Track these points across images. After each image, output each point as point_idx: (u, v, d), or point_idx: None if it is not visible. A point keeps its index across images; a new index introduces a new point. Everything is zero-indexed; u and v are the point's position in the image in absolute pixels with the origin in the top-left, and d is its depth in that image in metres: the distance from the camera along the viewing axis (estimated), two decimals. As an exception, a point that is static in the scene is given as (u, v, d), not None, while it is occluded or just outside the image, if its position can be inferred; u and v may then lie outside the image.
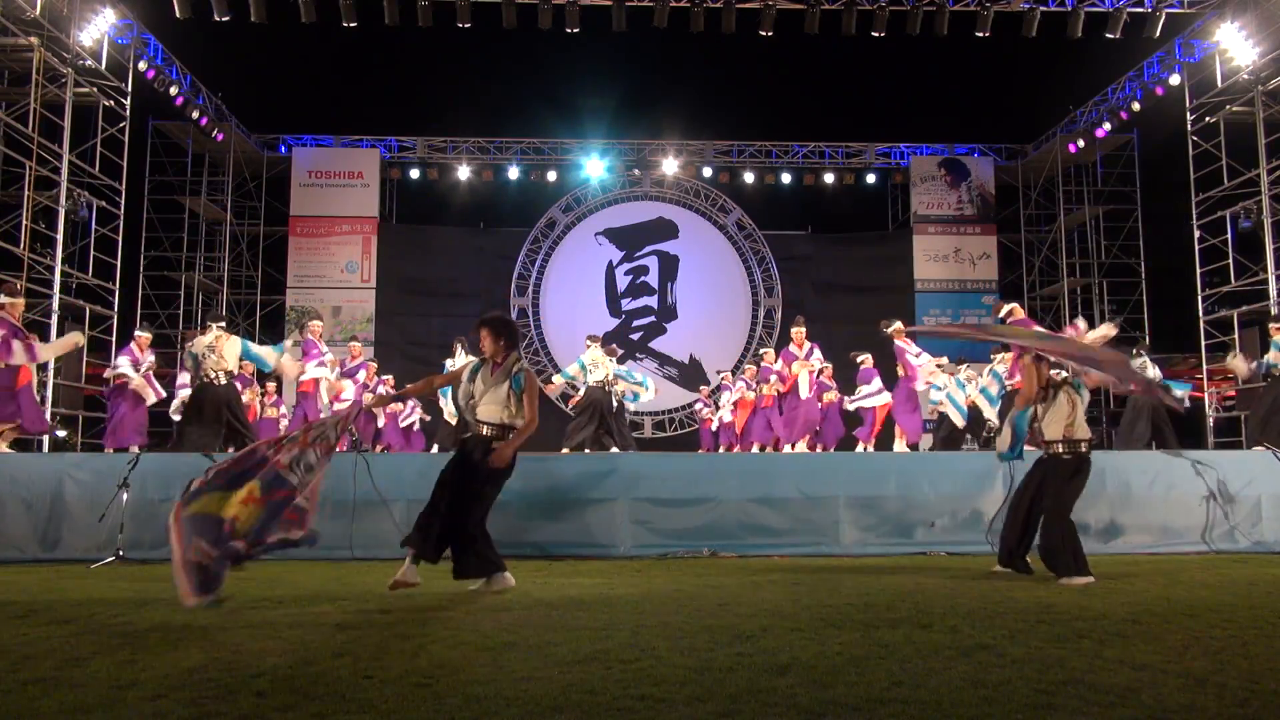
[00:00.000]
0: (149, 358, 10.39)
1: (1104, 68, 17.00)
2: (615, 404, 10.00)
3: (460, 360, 11.45)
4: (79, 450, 13.57)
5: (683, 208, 19.55)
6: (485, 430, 4.97)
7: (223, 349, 8.41)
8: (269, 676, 2.91)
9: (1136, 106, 16.20)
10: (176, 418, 10.12)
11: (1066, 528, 5.45)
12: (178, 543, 3.98)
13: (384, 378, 12.96)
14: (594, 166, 19.26)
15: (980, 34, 14.12)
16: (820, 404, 10.91)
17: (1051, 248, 19.24)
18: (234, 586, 5.25)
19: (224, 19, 13.44)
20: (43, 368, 12.34)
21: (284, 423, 11.85)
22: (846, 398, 11.47)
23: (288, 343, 10.29)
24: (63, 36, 12.82)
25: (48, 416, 11.72)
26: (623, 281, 19.24)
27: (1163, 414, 9.75)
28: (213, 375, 8.35)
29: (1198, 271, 14.51)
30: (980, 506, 7.24)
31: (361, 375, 11.76)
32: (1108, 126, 17.04)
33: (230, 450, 8.01)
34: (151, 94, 15.41)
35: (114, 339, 14.29)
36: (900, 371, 10.46)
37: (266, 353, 8.80)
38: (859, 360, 11.54)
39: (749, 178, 19.21)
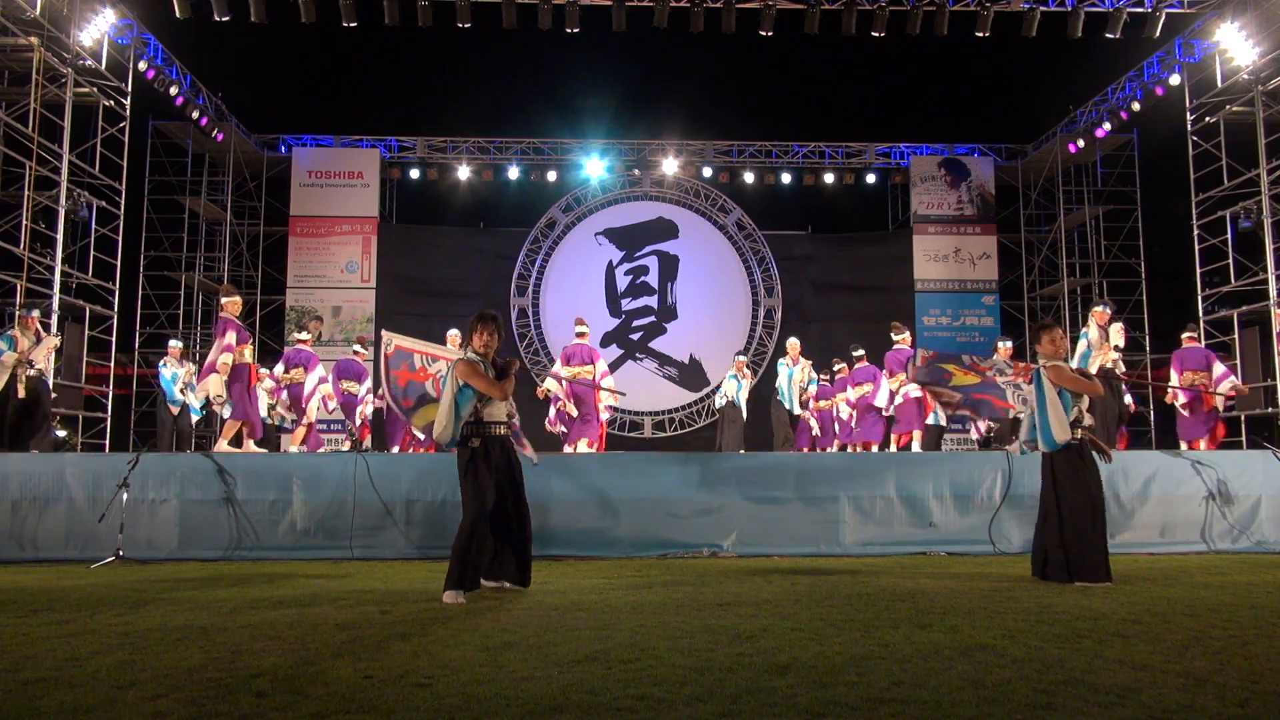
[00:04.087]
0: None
1: (1104, 68, 17.02)
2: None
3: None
4: (79, 450, 13.57)
5: (683, 208, 19.54)
6: (500, 430, 4.94)
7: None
8: (269, 676, 2.91)
9: (1136, 106, 16.19)
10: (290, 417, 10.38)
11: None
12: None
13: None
14: (594, 166, 19.25)
15: (980, 34, 14.12)
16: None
17: (1051, 248, 19.24)
18: (234, 586, 5.26)
19: (224, 19, 13.44)
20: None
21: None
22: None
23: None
24: (63, 36, 12.82)
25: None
26: (623, 281, 19.23)
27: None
28: None
29: (1198, 271, 14.51)
30: (980, 507, 7.24)
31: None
32: (1108, 126, 17.02)
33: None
34: (151, 94, 15.40)
35: (114, 339, 14.31)
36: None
37: None
38: (856, 354, 11.61)
39: (749, 178, 19.20)
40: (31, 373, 9.09)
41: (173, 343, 11.90)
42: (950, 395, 5.85)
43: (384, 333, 5.50)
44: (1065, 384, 5.28)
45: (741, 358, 12.57)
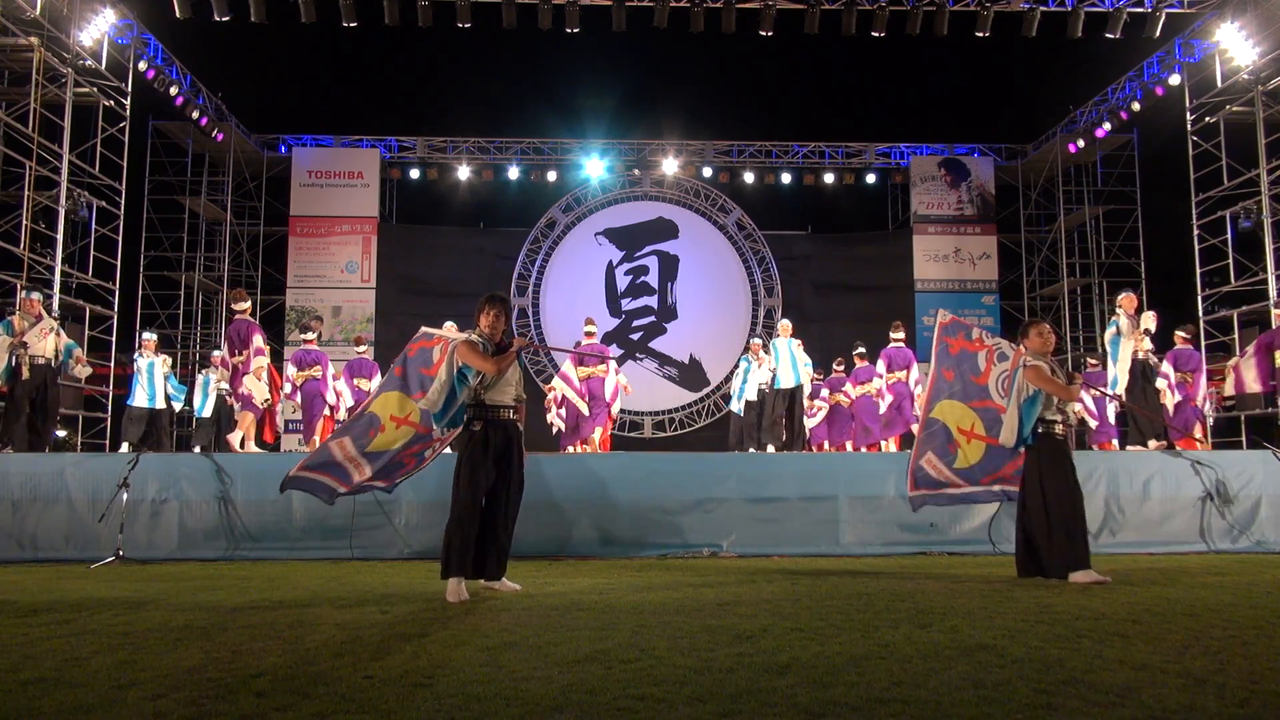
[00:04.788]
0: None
1: (1104, 68, 17.04)
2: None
3: None
4: (79, 450, 13.57)
5: (683, 208, 19.55)
6: (506, 414, 4.86)
7: None
8: (269, 676, 2.91)
9: (1136, 106, 16.20)
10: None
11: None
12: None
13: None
14: (594, 166, 19.26)
15: (980, 34, 14.12)
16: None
17: (1051, 248, 19.25)
18: (234, 587, 5.26)
19: (224, 19, 13.45)
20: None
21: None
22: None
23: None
24: (63, 36, 12.82)
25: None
26: (623, 281, 19.24)
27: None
28: None
29: (1198, 271, 14.51)
30: (980, 506, 7.23)
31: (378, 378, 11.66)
32: (1108, 126, 17.04)
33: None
34: (151, 94, 15.41)
35: (114, 339, 14.30)
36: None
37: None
38: (858, 353, 11.58)
39: (749, 178, 19.21)
40: (40, 361, 8.78)
41: (147, 335, 11.77)
42: (952, 487, 5.63)
43: (424, 328, 5.57)
44: (1039, 383, 5.27)
45: (757, 340, 12.44)
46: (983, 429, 5.52)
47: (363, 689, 2.75)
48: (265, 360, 8.63)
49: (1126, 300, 9.50)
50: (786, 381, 11.12)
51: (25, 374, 8.70)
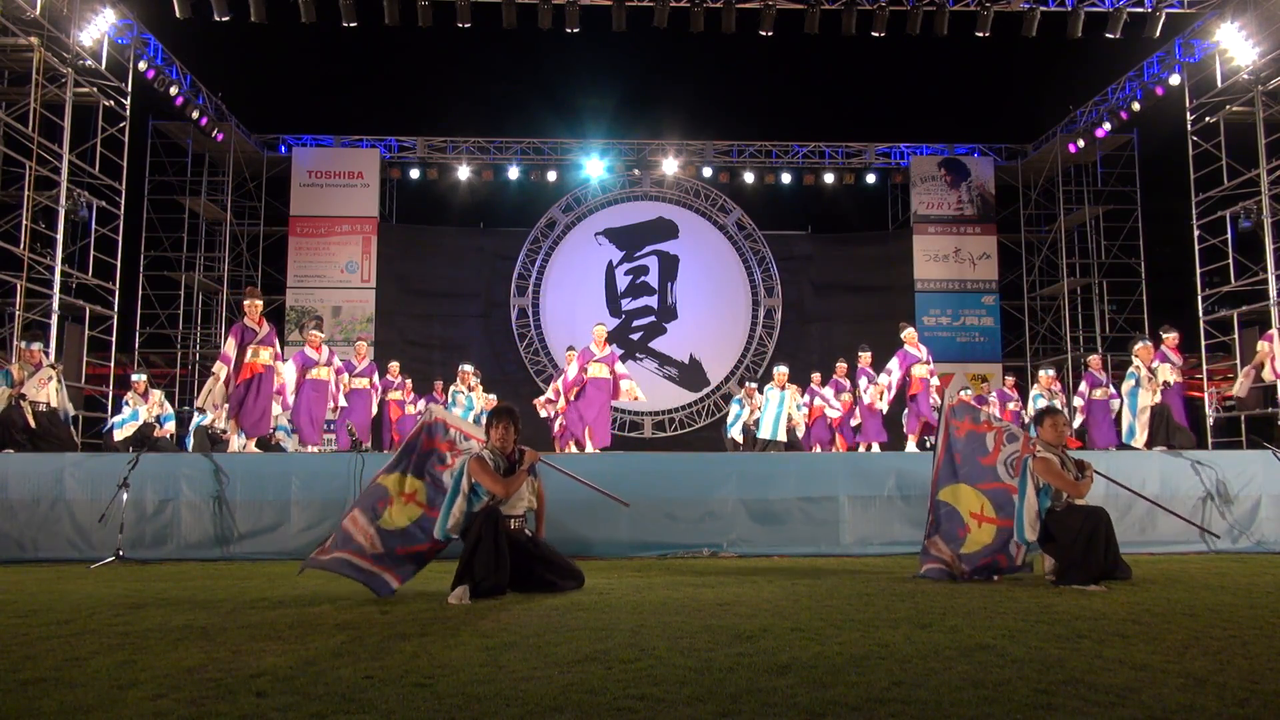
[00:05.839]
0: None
1: (1104, 68, 17.03)
2: None
3: (467, 399, 11.58)
4: (79, 450, 13.55)
5: (683, 208, 19.56)
6: (513, 524, 4.92)
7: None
8: (269, 676, 2.91)
9: (1136, 106, 16.21)
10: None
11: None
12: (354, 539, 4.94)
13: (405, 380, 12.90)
14: (594, 166, 19.27)
15: (980, 34, 14.12)
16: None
17: (1051, 248, 19.25)
18: (234, 586, 5.26)
19: (224, 19, 13.44)
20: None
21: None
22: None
23: None
24: (63, 36, 12.82)
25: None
26: (623, 281, 19.24)
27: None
28: None
29: (1198, 271, 14.51)
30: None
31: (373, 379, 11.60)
32: (1108, 126, 17.04)
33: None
34: (151, 94, 15.41)
35: (114, 339, 14.30)
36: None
37: None
38: (863, 355, 11.59)
39: (749, 178, 19.22)
40: (41, 407, 8.74)
41: (136, 376, 11.29)
42: (956, 572, 5.55)
43: (433, 414, 5.42)
44: (1047, 477, 5.21)
45: (752, 384, 12.49)
46: (992, 510, 5.45)
47: (363, 689, 2.75)
48: (221, 366, 8.39)
49: (1144, 351, 9.41)
50: (766, 433, 11.11)
51: (31, 423, 8.72)
